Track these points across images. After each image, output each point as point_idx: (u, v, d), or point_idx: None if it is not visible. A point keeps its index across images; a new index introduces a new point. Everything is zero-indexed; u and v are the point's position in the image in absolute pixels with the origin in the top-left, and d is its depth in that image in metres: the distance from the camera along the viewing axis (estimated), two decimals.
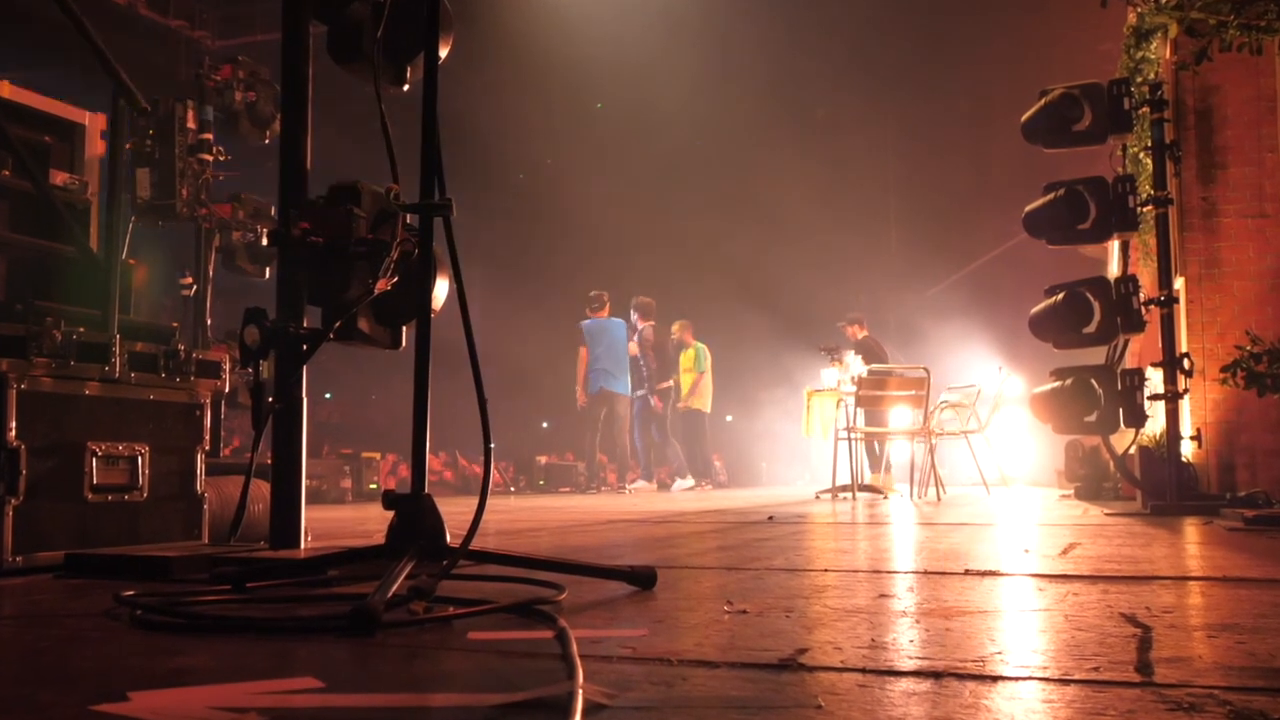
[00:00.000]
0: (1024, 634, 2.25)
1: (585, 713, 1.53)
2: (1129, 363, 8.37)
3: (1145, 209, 7.85)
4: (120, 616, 2.52)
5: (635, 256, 22.52)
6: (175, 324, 4.80)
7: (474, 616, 2.47)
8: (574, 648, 1.96)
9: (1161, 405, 7.63)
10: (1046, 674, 1.81)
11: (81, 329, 3.96)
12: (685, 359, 17.55)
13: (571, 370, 16.60)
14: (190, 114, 6.84)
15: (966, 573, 3.43)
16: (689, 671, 1.84)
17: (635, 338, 16.78)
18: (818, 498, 11.86)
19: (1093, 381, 7.55)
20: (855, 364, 12.94)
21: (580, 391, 16.21)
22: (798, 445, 20.72)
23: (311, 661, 2.01)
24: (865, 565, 3.83)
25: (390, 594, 2.38)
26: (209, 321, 6.99)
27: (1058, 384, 7.71)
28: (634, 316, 16.89)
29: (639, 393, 16.75)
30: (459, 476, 18.75)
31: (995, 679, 1.77)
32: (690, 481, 16.43)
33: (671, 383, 17.24)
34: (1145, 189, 8.13)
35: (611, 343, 16.15)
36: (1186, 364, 7.61)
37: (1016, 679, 1.77)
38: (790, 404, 18.12)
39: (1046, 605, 2.66)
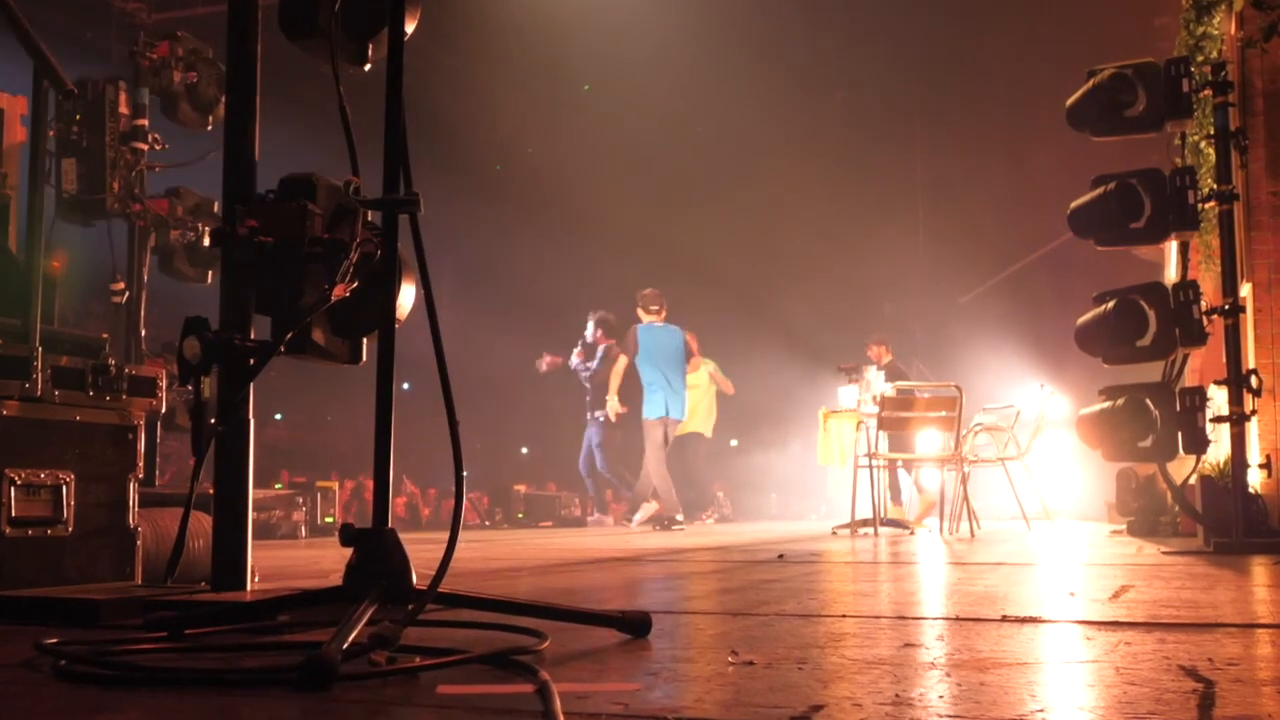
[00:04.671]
0: (1069, 688, 2.25)
1: None
2: (1189, 381, 8.37)
3: (1207, 205, 7.86)
4: (42, 667, 2.52)
5: (626, 257, 22.52)
6: (105, 335, 4.80)
7: (444, 668, 2.47)
8: (557, 704, 1.97)
9: (1226, 429, 7.63)
10: None
11: None
12: (695, 376, 17.54)
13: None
14: (123, 97, 6.83)
15: (1004, 619, 3.43)
16: None
17: (597, 357, 16.71)
18: (835, 533, 11.85)
19: (1147, 402, 7.55)
20: (877, 381, 12.94)
21: (617, 402, 15.77)
22: (812, 474, 20.73)
23: (259, 719, 2.01)
24: (889, 610, 3.83)
25: (348, 642, 2.38)
26: (143, 332, 6.98)
27: (1108, 404, 7.72)
28: (596, 333, 16.78)
29: (599, 414, 16.64)
30: (409, 507, 18.77)
31: None
32: (598, 517, 16.55)
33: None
34: (1207, 183, 8.14)
35: (672, 353, 15.59)
36: (1254, 382, 7.62)
37: None
38: (804, 427, 18.12)
39: (1095, 656, 2.67)
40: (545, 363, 17.30)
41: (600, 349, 16.73)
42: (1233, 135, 7.88)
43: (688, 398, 17.17)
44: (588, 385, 16.80)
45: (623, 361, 15.31)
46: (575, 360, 16.92)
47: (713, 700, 2.11)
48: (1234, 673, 2.39)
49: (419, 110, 3.08)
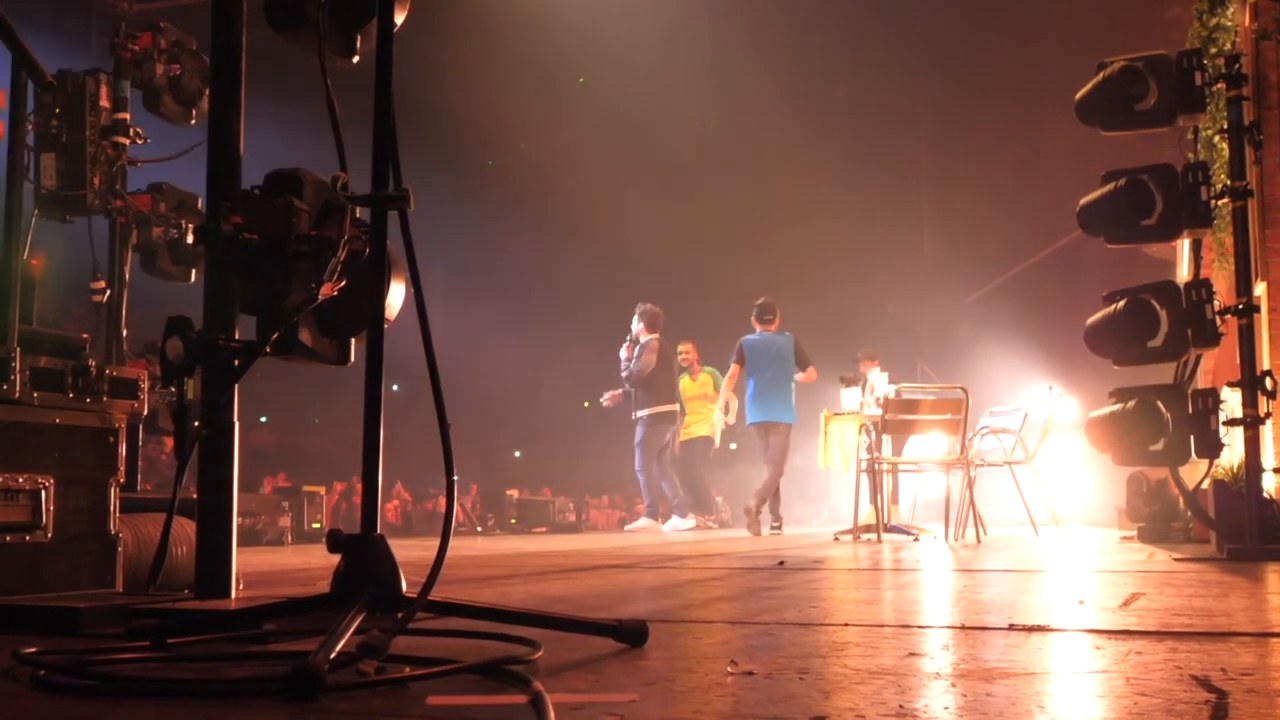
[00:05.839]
0: (1078, 699, 2.25)
1: None
2: (1201, 382, 8.37)
3: (1220, 202, 7.85)
4: (20, 677, 2.52)
5: (623, 255, 22.52)
6: (85, 335, 4.79)
7: (434, 678, 2.47)
8: (551, 715, 1.97)
9: (1240, 432, 7.63)
10: None
11: None
12: (694, 386, 17.55)
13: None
14: (104, 90, 6.82)
15: (1011, 628, 3.43)
16: None
17: (641, 353, 16.69)
18: (837, 539, 11.85)
19: (1159, 404, 7.55)
20: (881, 383, 12.93)
21: (722, 417, 15.76)
22: (814, 478, 20.73)
23: None
24: (892, 619, 3.83)
25: (336, 651, 2.38)
26: (125, 333, 6.97)
27: (1118, 407, 7.71)
28: (639, 326, 16.79)
29: (640, 414, 16.70)
30: (401, 513, 18.77)
31: None
32: (691, 522, 16.42)
33: (677, 407, 17.19)
34: (1220, 178, 8.14)
35: (778, 364, 15.59)
36: (1269, 383, 7.61)
37: None
38: (805, 430, 18.13)
39: (1105, 666, 2.67)
40: (608, 399, 17.43)
41: (643, 340, 16.74)
42: (1247, 130, 7.87)
43: (698, 409, 17.21)
44: (628, 384, 16.85)
45: (732, 370, 15.33)
46: (623, 355, 16.93)
47: (711, 711, 2.11)
48: (1248, 683, 2.39)
49: (409, 104, 3.08)
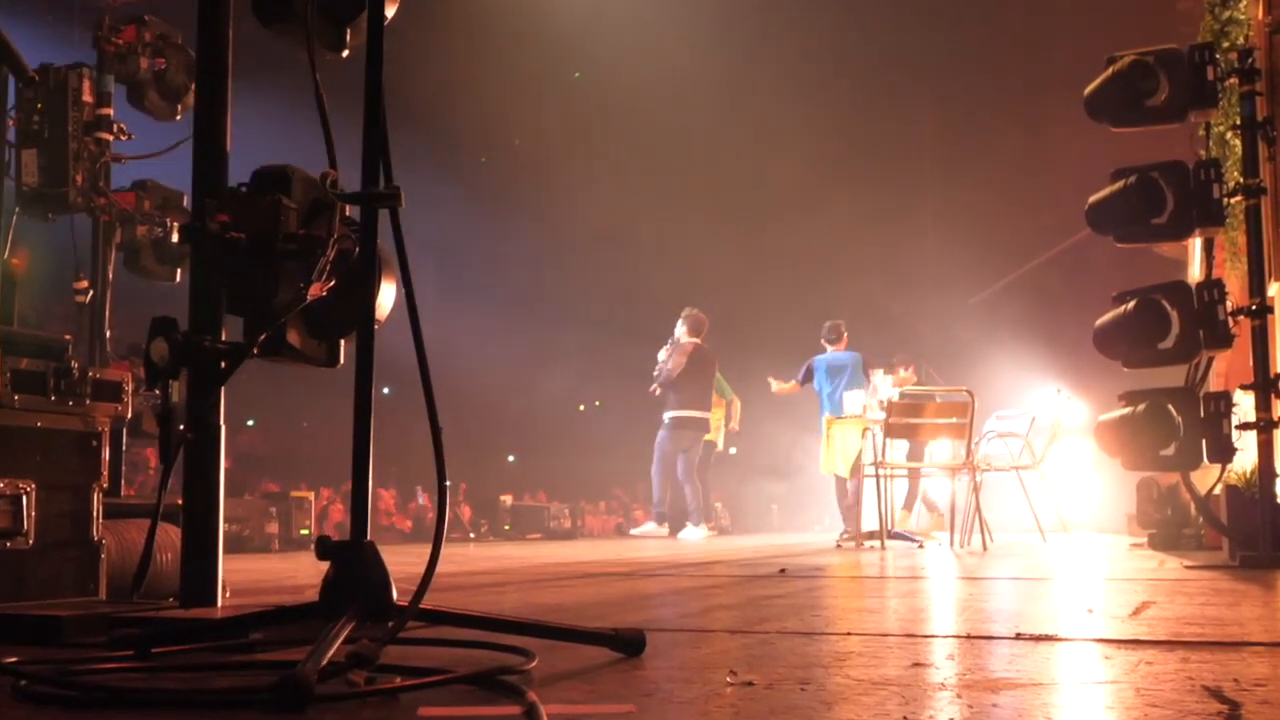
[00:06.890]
0: (1087, 710, 2.25)
1: None
2: (1213, 385, 8.36)
3: (1233, 200, 7.85)
4: (1, 687, 2.51)
5: (619, 255, 22.50)
6: (68, 336, 4.79)
7: (426, 688, 2.47)
8: None
9: (1253, 436, 7.63)
10: None
11: None
12: None
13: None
14: (87, 85, 6.82)
15: (1018, 637, 3.43)
16: None
17: (672, 354, 16.74)
18: (839, 546, 11.86)
19: (1170, 407, 7.55)
20: (884, 386, 12.93)
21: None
22: (815, 483, 20.73)
23: None
24: (896, 628, 3.83)
25: (325, 661, 2.37)
26: (108, 334, 6.97)
27: (1128, 410, 7.71)
28: (681, 329, 16.84)
29: (666, 416, 16.75)
30: (413, 519, 18.76)
31: None
32: (704, 531, 16.43)
33: (707, 414, 17.25)
34: (1233, 176, 8.14)
35: (853, 380, 15.54)
36: None
37: None
38: (807, 434, 18.13)
39: (1114, 677, 2.67)
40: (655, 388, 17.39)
41: (681, 343, 16.79)
42: (1260, 126, 7.87)
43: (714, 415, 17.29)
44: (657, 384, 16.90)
45: (791, 385, 15.86)
46: (660, 355, 16.98)
47: None
48: (1261, 694, 2.39)
49: (400, 99, 3.08)
